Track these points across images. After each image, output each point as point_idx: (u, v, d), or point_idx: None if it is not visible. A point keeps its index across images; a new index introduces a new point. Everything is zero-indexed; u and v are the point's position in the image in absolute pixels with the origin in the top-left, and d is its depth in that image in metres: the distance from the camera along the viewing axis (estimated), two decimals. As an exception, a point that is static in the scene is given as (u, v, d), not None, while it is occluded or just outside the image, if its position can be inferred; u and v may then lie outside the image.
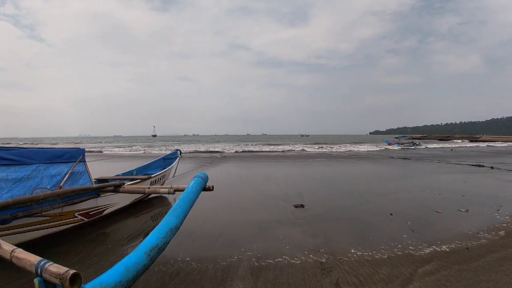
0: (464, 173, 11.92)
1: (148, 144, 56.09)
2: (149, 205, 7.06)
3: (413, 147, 37.08)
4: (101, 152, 30.48)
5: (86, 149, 6.44)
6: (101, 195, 5.39)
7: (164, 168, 8.71)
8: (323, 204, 6.76)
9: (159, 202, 7.44)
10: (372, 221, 5.39)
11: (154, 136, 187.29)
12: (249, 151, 30.49)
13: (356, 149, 33.48)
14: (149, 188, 5.02)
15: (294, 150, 32.81)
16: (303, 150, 32.88)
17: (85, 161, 5.65)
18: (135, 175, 8.47)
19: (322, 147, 36.98)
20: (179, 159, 9.96)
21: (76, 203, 4.79)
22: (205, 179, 4.59)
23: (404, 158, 19.79)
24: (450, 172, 12.43)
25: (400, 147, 36.51)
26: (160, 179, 8.11)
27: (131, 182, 6.67)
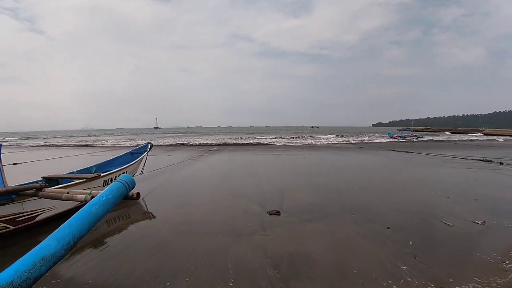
0: (472, 170, 10.59)
1: (145, 136, 55.32)
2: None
3: (416, 140, 35.73)
4: (88, 145, 29.40)
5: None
6: (30, 199, 4.46)
7: (127, 164, 7.48)
8: (304, 210, 5.49)
9: (122, 201, 6.36)
10: (362, 238, 4.09)
11: (157, 128, 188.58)
12: (247, 144, 29.16)
13: (359, 140, 32.24)
14: (67, 193, 3.95)
15: (296, 142, 31.43)
16: (308, 142, 31.47)
17: None
18: (94, 172, 7.31)
19: (340, 138, 35.97)
20: (147, 154, 8.68)
21: None
22: (128, 184, 3.42)
23: (407, 152, 18.38)
24: (457, 168, 11.08)
25: (402, 140, 35.13)
26: (119, 177, 6.90)
27: (77, 182, 5.56)
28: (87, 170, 7.23)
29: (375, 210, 5.49)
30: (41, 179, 5.82)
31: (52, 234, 2.38)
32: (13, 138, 55.23)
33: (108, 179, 6.46)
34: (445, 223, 4.70)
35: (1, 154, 4.73)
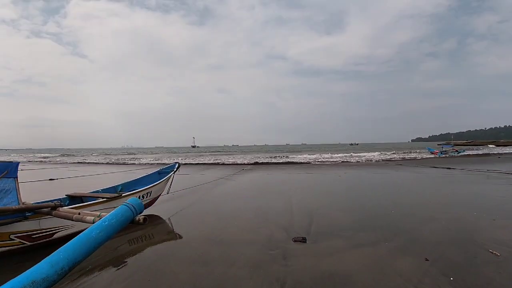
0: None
1: (182, 155, 56.44)
2: (128, 226, 5.94)
3: (457, 155, 33.98)
4: (124, 163, 30.07)
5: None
6: (46, 217, 4.50)
7: (152, 184, 7.34)
8: (333, 237, 5.06)
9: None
10: (397, 273, 3.61)
11: (194, 147, 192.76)
12: (282, 162, 28.40)
13: (399, 157, 31.02)
14: (78, 214, 3.79)
15: (331, 160, 30.68)
16: (344, 160, 30.46)
17: (16, 177, 4.65)
18: (119, 191, 7.27)
19: (381, 155, 35.22)
20: (174, 173, 8.46)
21: (6, 224, 4.11)
22: (135, 208, 3.21)
23: (448, 168, 17.42)
24: (503, 185, 10.25)
25: (443, 156, 33.40)
26: (142, 197, 6.80)
27: (98, 201, 5.62)
28: (112, 189, 7.20)
29: (413, 237, 4.95)
30: (65, 196, 5.97)
31: (46, 257, 2.21)
32: (52, 155, 57.81)
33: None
34: (491, 252, 4.18)
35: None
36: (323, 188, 11.16)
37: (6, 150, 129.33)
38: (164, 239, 5.32)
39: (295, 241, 4.83)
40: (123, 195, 6.12)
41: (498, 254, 4.11)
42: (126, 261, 4.20)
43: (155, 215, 7.05)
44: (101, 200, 5.67)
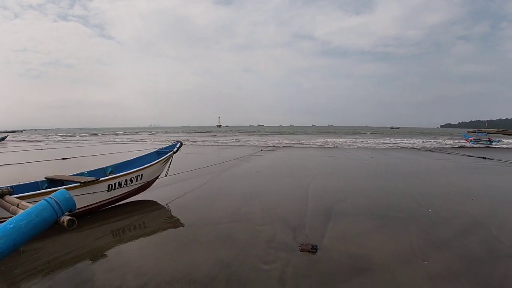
0: None
1: (204, 134, 55.89)
2: (118, 213, 5.46)
3: (492, 144, 31.22)
4: (141, 142, 29.53)
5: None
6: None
7: (144, 165, 6.31)
8: (355, 243, 3.91)
9: (139, 207, 5.92)
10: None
11: (219, 126, 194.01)
12: (306, 146, 25.27)
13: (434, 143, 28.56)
14: (17, 206, 3.00)
15: (352, 143, 28.62)
16: (370, 145, 27.67)
17: None
18: (109, 173, 6.35)
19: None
20: (173, 153, 7.16)
21: None
22: (61, 205, 2.39)
23: (484, 158, 15.54)
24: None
25: (477, 145, 30.57)
26: (131, 181, 5.82)
27: (71, 186, 4.70)
28: (101, 171, 6.40)
29: (460, 255, 3.57)
30: (44, 179, 5.23)
31: None
32: (78, 134, 58.56)
33: (115, 183, 5.46)
34: None
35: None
36: (347, 175, 9.76)
37: (36, 130, 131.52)
38: (156, 229, 4.66)
39: (302, 249, 3.69)
40: (101, 179, 5.17)
41: None
42: (106, 255, 3.57)
43: (151, 201, 6.35)
44: (75, 185, 4.74)
